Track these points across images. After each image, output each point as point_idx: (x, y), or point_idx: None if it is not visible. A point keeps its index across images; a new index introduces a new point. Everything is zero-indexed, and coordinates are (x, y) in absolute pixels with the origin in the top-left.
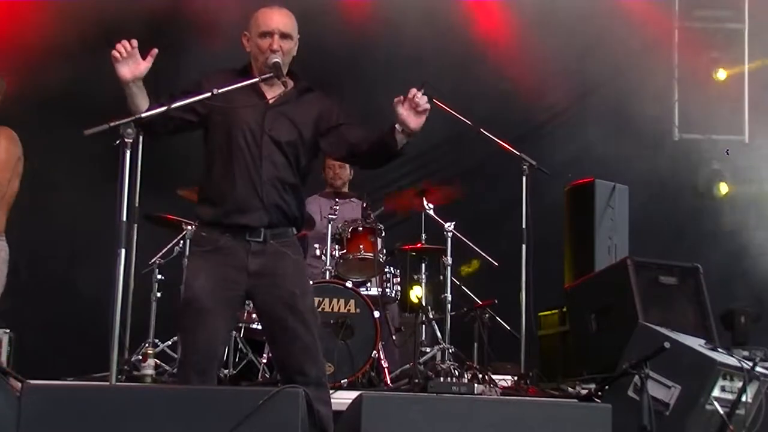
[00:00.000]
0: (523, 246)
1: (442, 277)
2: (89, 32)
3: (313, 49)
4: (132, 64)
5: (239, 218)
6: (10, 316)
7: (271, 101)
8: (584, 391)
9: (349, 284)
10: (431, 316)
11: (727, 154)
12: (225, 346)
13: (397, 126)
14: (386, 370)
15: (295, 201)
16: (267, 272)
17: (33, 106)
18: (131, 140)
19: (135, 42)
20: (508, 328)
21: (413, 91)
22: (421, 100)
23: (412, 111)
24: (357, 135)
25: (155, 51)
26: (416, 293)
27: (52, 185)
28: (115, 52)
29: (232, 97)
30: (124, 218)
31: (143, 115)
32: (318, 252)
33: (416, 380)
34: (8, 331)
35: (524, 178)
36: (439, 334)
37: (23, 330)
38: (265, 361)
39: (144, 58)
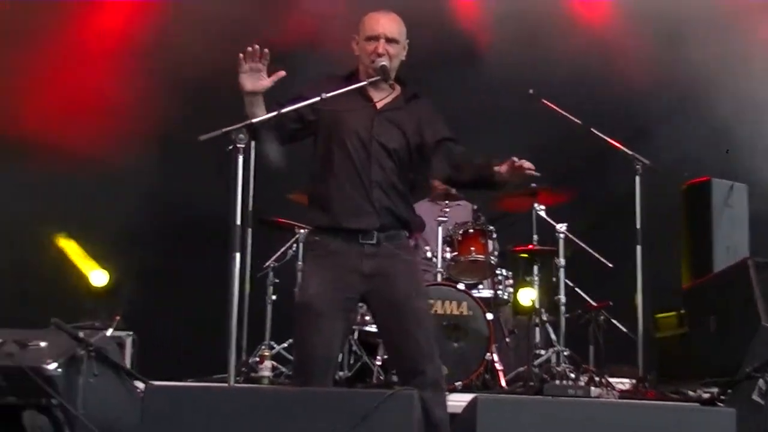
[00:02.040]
0: (638, 247)
1: (555, 279)
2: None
3: (421, 53)
4: (255, 78)
5: (351, 222)
6: (134, 320)
7: (379, 106)
8: (706, 395)
9: (461, 286)
10: (545, 318)
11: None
12: (340, 349)
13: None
14: (501, 372)
15: (404, 204)
16: (381, 274)
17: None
18: (243, 145)
19: (267, 52)
20: (625, 330)
21: (516, 160)
22: (526, 164)
23: (515, 173)
24: (460, 159)
25: (282, 73)
26: (529, 295)
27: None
28: (241, 57)
29: (340, 101)
30: (239, 222)
31: (254, 120)
32: (429, 254)
33: (531, 383)
34: (131, 333)
35: (637, 178)
36: (553, 336)
37: (145, 333)
38: (379, 363)
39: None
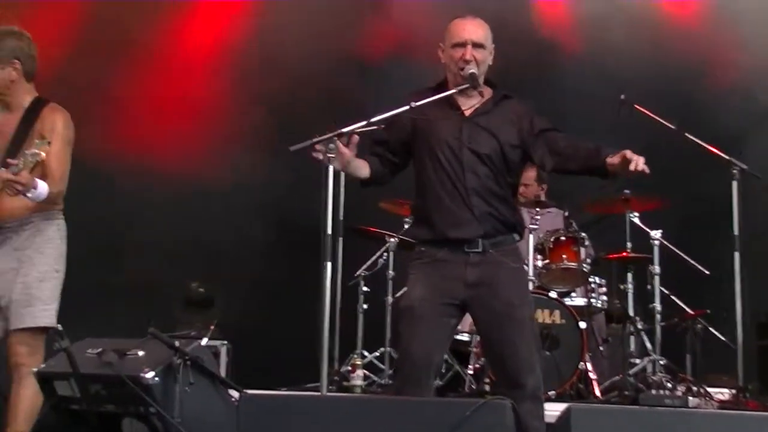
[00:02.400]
0: (736, 254)
1: (649, 287)
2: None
3: (507, 57)
4: (337, 156)
5: (454, 232)
6: (228, 329)
7: (467, 113)
8: None
9: (552, 294)
10: (639, 327)
11: None
12: (442, 356)
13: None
14: (595, 381)
15: (507, 208)
16: (484, 282)
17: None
18: (333, 155)
19: (336, 145)
20: (723, 338)
21: (629, 154)
22: (639, 165)
23: (626, 168)
24: (565, 146)
25: (356, 138)
26: (623, 303)
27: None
28: (318, 157)
29: (430, 113)
30: (329, 232)
31: (345, 129)
32: None
33: (626, 392)
34: (226, 342)
35: (734, 183)
36: (648, 344)
37: (240, 342)
38: (471, 372)
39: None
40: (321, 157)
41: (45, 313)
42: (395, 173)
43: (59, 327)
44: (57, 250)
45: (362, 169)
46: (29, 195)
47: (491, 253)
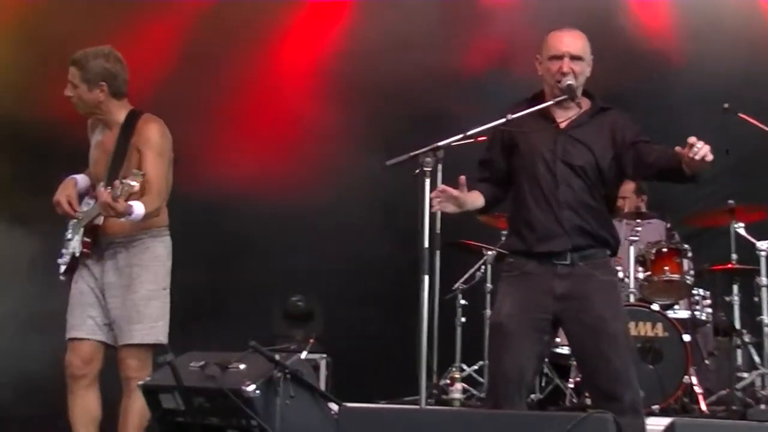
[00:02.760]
0: None
1: (756, 299)
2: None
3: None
4: (449, 201)
5: (543, 246)
6: (327, 342)
7: (562, 125)
8: None
9: (655, 307)
10: (747, 340)
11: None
12: (535, 372)
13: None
14: (701, 395)
15: (600, 222)
16: (573, 296)
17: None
18: (430, 168)
19: (451, 191)
20: None
21: (693, 139)
22: (700, 152)
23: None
24: (652, 156)
25: (463, 179)
26: (728, 315)
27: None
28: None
29: (526, 125)
30: (426, 245)
31: (440, 144)
32: (621, 275)
33: (734, 407)
34: (325, 356)
35: None
36: (757, 358)
37: (339, 355)
38: (572, 386)
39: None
40: (435, 207)
41: (153, 330)
42: (508, 190)
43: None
44: (164, 268)
45: (477, 201)
46: (124, 220)
47: (580, 266)
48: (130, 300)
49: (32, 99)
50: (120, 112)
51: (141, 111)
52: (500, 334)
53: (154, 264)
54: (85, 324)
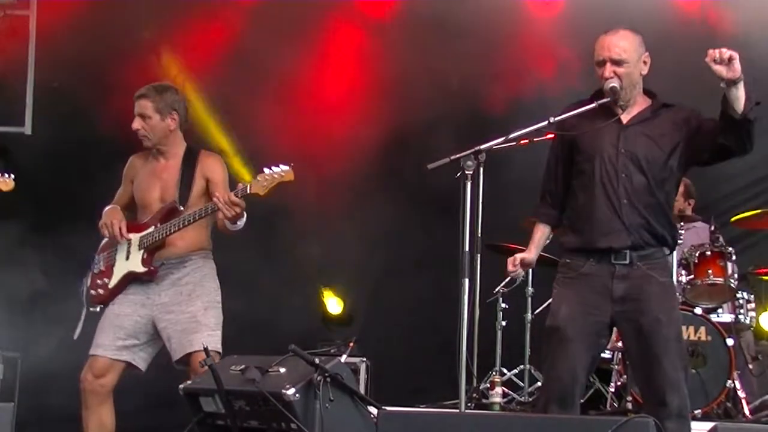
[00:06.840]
0: None
1: None
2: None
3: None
4: (522, 270)
5: (602, 241)
6: (367, 346)
7: (625, 120)
8: None
9: (698, 311)
10: None
11: None
12: (588, 373)
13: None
14: (744, 400)
15: (660, 220)
16: (631, 298)
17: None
18: (471, 172)
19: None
20: None
21: (711, 53)
22: (718, 53)
23: (720, 65)
24: (712, 125)
25: (517, 260)
26: None
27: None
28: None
29: (584, 122)
30: (467, 249)
31: (482, 147)
32: None
33: None
34: (365, 359)
35: None
36: None
37: (378, 359)
38: (612, 390)
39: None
40: (512, 272)
41: (210, 338)
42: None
43: (206, 345)
44: (215, 284)
45: (544, 239)
46: (238, 222)
47: (638, 266)
48: (188, 313)
49: None
50: (181, 144)
51: (198, 146)
52: (557, 339)
53: (207, 280)
54: (112, 345)
